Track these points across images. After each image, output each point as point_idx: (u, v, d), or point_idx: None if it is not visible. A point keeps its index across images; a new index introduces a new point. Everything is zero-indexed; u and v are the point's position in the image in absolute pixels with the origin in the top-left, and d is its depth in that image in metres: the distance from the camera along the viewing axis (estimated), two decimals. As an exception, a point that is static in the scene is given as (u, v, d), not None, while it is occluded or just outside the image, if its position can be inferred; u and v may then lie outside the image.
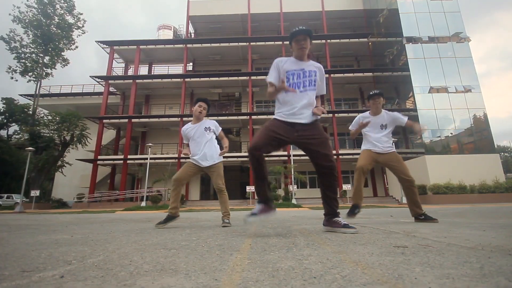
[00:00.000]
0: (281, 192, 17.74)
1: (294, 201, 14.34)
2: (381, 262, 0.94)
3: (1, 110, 27.13)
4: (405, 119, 3.05)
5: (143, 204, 14.08)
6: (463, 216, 4.40)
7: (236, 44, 23.02)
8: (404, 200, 13.26)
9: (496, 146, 20.66)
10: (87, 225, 3.65)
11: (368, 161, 3.04)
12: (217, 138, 3.16)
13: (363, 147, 3.16)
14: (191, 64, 25.78)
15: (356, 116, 3.30)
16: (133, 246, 1.43)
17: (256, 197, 1.97)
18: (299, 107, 1.93)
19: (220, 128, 3.18)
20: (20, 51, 21.38)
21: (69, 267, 0.97)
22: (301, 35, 2.02)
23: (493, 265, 0.86)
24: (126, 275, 0.85)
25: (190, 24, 25.48)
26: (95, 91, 26.44)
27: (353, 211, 2.98)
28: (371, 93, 3.14)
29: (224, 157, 3.35)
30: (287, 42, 22.77)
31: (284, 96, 1.98)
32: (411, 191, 2.86)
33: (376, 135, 3.05)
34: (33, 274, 0.87)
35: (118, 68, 25.70)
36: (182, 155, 2.96)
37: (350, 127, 3.24)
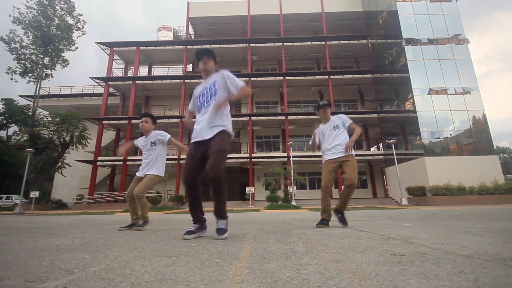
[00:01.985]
0: (280, 193, 17.75)
1: (293, 202, 14.34)
2: (378, 272, 0.95)
3: (1, 111, 27.15)
4: (350, 120, 3.25)
5: (143, 205, 14.05)
6: (462, 218, 4.42)
7: (235, 45, 23.08)
8: (404, 202, 13.17)
9: (495, 147, 20.68)
10: (87, 228, 3.66)
11: (330, 179, 3.16)
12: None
13: (323, 156, 3.32)
14: (191, 65, 25.83)
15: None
16: (134, 253, 1.45)
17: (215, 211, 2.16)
18: (204, 126, 2.15)
19: (168, 137, 3.32)
20: (20, 52, 21.37)
21: (71, 277, 0.98)
22: (204, 55, 2.29)
23: (487, 276, 0.88)
24: (127, 286, 0.86)
25: (190, 25, 25.54)
26: (95, 92, 26.49)
27: (322, 223, 3.10)
28: (320, 103, 3.32)
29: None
30: (287, 44, 23.06)
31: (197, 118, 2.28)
32: (349, 192, 3.04)
33: (328, 138, 3.21)
34: (36, 285, 0.89)
35: (118, 69, 25.74)
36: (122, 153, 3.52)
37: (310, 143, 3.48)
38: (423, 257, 1.19)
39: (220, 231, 2.02)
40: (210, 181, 2.02)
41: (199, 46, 23.34)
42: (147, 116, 3.33)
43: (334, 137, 3.19)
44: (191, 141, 2.20)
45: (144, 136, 3.39)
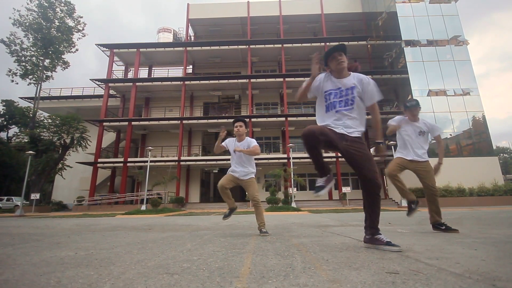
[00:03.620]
0: (280, 195, 17.79)
1: (293, 204, 14.39)
2: (371, 295, 1.00)
3: (1, 112, 27.22)
4: (439, 131, 3.26)
5: (143, 207, 14.13)
6: (460, 223, 4.46)
7: (235, 47, 23.14)
8: (404, 203, 13.22)
9: (495, 147, 20.77)
10: (89, 235, 3.71)
11: (395, 167, 3.17)
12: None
13: (397, 154, 3.32)
14: (191, 66, 25.91)
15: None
16: (137, 270, 1.49)
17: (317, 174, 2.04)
18: (344, 125, 2.04)
19: (254, 143, 3.43)
20: (21, 54, 21.49)
21: (78, 299, 1.03)
22: (336, 51, 2.10)
23: (475, 300, 0.92)
24: (132, 310, 0.91)
25: (190, 27, 25.62)
26: (95, 93, 26.56)
27: (411, 208, 3.17)
28: (408, 104, 3.25)
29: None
30: (287, 45, 23.18)
31: (325, 117, 2.11)
32: (433, 199, 3.06)
33: (414, 140, 3.19)
34: (46, 309, 0.93)
35: (118, 71, 25.81)
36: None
37: (390, 122, 3.35)
38: (416, 276, 1.23)
39: (391, 245, 1.86)
40: (370, 187, 1.97)
41: (199, 48, 23.42)
42: (241, 121, 3.38)
43: (420, 142, 3.17)
44: (328, 126, 2.03)
45: (235, 139, 3.42)
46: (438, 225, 3.02)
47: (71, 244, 2.73)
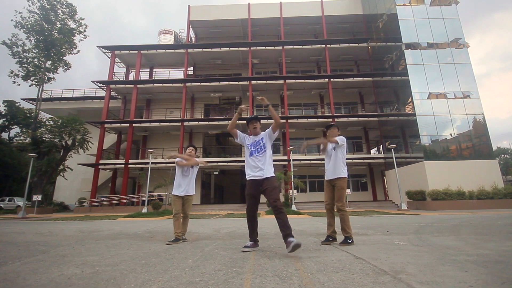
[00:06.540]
0: (281, 197, 17.85)
1: (294, 207, 14.47)
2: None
3: (3, 113, 27.36)
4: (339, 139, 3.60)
5: (145, 210, 14.23)
6: (458, 232, 4.53)
7: (236, 48, 23.20)
8: (404, 206, 13.25)
9: (496, 148, 20.58)
10: (93, 245, 3.79)
11: (329, 196, 3.56)
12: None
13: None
14: (191, 68, 25.97)
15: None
16: (142, 294, 1.57)
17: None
18: (260, 168, 3.10)
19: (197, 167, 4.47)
20: (22, 56, 21.55)
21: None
22: (253, 120, 3.28)
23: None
24: None
25: (190, 28, 25.68)
26: (96, 95, 26.67)
27: (327, 240, 3.47)
28: (329, 124, 3.77)
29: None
30: (288, 47, 23.12)
31: (250, 161, 3.18)
32: (340, 215, 3.39)
33: (328, 160, 3.64)
34: None
35: (119, 72, 25.90)
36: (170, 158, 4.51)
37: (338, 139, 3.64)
38: (405, 306, 1.31)
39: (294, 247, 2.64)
40: (276, 209, 2.88)
41: (200, 50, 23.49)
42: (192, 147, 4.45)
43: (331, 158, 3.59)
44: (252, 178, 3.11)
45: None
46: (348, 239, 3.34)
47: (76, 257, 2.82)
